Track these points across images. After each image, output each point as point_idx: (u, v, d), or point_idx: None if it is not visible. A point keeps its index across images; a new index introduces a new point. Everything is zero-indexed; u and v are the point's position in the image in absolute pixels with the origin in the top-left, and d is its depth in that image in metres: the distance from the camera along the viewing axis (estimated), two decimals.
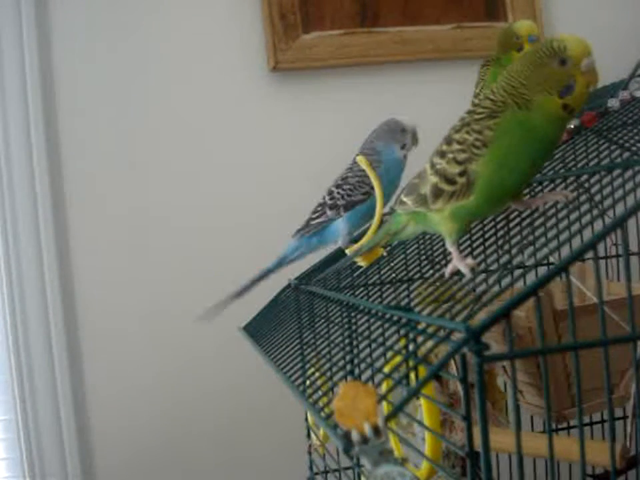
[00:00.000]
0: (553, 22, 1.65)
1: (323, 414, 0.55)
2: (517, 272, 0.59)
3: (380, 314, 0.68)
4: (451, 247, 0.69)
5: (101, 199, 1.50)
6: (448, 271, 0.69)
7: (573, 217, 0.61)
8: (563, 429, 1.17)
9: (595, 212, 0.63)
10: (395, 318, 0.64)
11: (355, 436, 0.47)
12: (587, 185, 0.68)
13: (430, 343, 0.56)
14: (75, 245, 1.49)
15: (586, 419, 1.18)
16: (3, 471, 1.49)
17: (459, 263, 0.67)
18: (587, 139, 0.93)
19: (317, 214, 1.10)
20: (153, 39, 1.52)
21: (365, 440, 0.47)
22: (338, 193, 1.09)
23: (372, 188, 1.05)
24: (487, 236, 0.78)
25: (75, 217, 1.49)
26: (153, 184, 1.52)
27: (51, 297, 1.45)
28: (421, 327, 0.59)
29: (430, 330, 0.56)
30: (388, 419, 0.48)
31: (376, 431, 0.47)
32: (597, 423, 1.20)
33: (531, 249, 0.59)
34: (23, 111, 1.44)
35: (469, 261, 0.67)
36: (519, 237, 0.66)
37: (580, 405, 0.55)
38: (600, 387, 0.96)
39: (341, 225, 1.08)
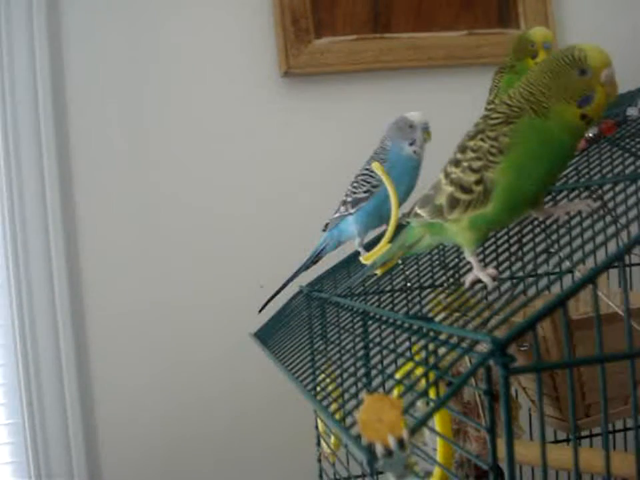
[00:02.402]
0: (565, 29, 1.64)
1: (343, 424, 0.54)
2: (537, 282, 0.58)
3: (398, 323, 0.67)
4: (470, 257, 0.68)
5: (110, 198, 1.49)
6: (468, 280, 0.68)
7: (596, 227, 0.60)
8: (584, 437, 1.16)
9: (614, 223, 0.63)
10: (415, 327, 0.63)
11: (379, 449, 0.47)
12: (610, 194, 0.67)
13: (451, 355, 0.55)
14: (84, 243, 1.49)
15: (598, 430, 1.17)
16: (10, 475, 1.48)
17: (480, 273, 0.66)
18: (600, 147, 0.93)
19: (336, 209, 1.15)
20: (165, 44, 1.51)
21: (389, 453, 0.46)
22: (348, 189, 1.12)
23: (374, 186, 1.06)
24: (503, 245, 0.77)
25: (84, 215, 1.49)
26: (164, 186, 1.51)
27: (59, 299, 1.45)
28: (442, 337, 0.58)
29: (452, 341, 0.55)
30: (413, 432, 0.47)
31: (401, 444, 0.47)
32: (619, 431, 1.19)
33: (556, 258, 0.58)
34: (33, 110, 1.44)
35: (491, 270, 0.66)
36: (543, 246, 0.65)
37: (605, 414, 0.54)
38: (614, 397, 0.95)
39: (350, 222, 1.11)
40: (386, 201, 0.94)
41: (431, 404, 0.80)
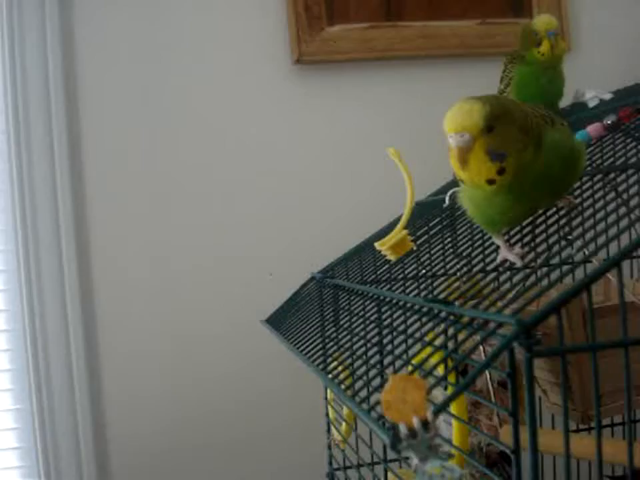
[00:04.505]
0: (580, 17, 1.63)
1: (365, 406, 0.54)
2: (565, 268, 0.58)
3: (417, 307, 0.67)
4: (497, 239, 0.69)
5: (122, 189, 1.49)
6: (499, 259, 0.69)
7: (621, 213, 0.60)
8: (584, 429, 1.16)
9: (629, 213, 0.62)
10: (434, 312, 0.63)
11: (402, 430, 0.46)
12: (626, 184, 0.67)
13: (472, 339, 0.55)
14: (95, 241, 1.48)
15: (607, 421, 1.17)
16: (17, 461, 1.49)
17: (507, 253, 0.67)
18: (614, 138, 0.92)
19: None
20: (176, 34, 1.50)
21: (413, 434, 0.46)
22: None
23: None
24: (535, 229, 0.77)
25: (96, 215, 1.48)
26: (175, 175, 1.51)
27: (68, 285, 1.45)
28: (463, 321, 0.58)
29: (474, 324, 0.55)
30: (437, 412, 0.46)
31: (425, 424, 0.46)
32: (619, 424, 1.19)
33: (578, 244, 0.58)
34: (45, 107, 1.43)
35: (518, 250, 0.67)
36: (565, 232, 0.65)
37: (630, 401, 0.54)
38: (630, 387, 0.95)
39: None
40: None
41: (449, 388, 0.80)
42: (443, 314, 0.62)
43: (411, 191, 0.91)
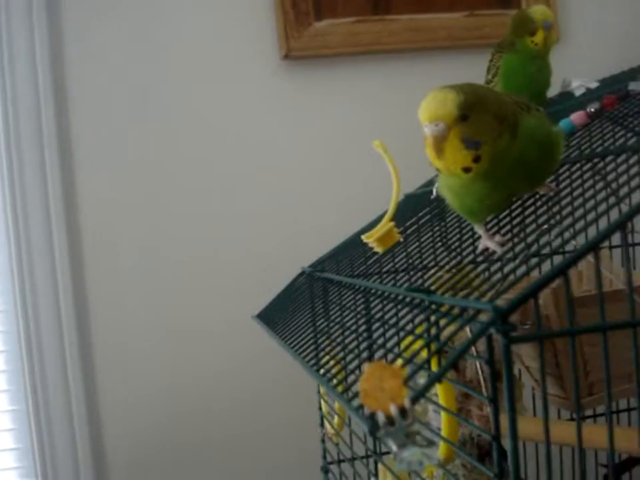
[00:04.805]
0: (568, 9, 1.63)
1: (346, 396, 0.54)
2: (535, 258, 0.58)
3: (400, 297, 0.67)
4: (478, 228, 0.69)
5: (115, 194, 1.49)
6: (480, 248, 0.69)
7: (594, 200, 0.60)
8: (588, 417, 1.16)
9: (615, 196, 0.62)
10: (416, 301, 0.63)
11: (380, 418, 0.47)
12: (607, 169, 0.67)
13: (452, 327, 0.55)
14: (88, 238, 1.48)
15: (602, 409, 1.17)
16: (14, 461, 1.49)
17: (488, 241, 0.67)
18: (603, 127, 0.92)
19: None
20: (164, 30, 1.50)
21: (391, 422, 0.46)
22: None
23: None
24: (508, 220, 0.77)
25: (89, 212, 1.48)
26: (164, 172, 1.51)
27: (61, 285, 1.45)
28: (443, 309, 0.58)
29: (454, 312, 0.55)
30: (414, 400, 0.47)
31: (402, 412, 0.46)
32: (623, 411, 1.19)
33: (556, 231, 0.58)
34: (34, 109, 1.44)
35: (498, 238, 0.67)
36: (543, 219, 0.65)
37: (609, 390, 0.54)
38: (619, 375, 0.95)
39: None
40: None
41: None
42: (425, 303, 0.62)
43: (397, 183, 0.91)
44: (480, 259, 0.69)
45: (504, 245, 0.66)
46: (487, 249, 0.68)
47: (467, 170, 0.62)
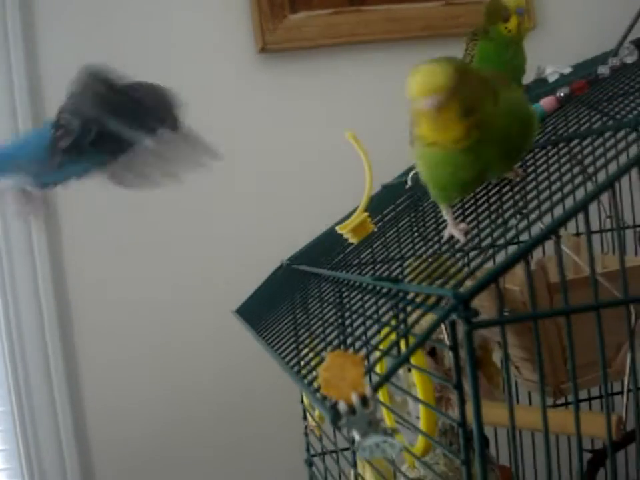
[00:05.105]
0: None
1: (311, 387, 0.54)
2: (509, 239, 0.58)
3: (370, 287, 0.67)
4: (445, 214, 0.69)
5: (92, 198, 1.48)
6: (445, 237, 0.69)
7: (565, 180, 0.60)
8: (561, 404, 1.16)
9: (586, 176, 0.62)
10: (385, 290, 0.63)
11: (342, 407, 0.46)
12: (577, 149, 0.67)
13: (419, 313, 0.54)
14: (67, 242, 1.48)
15: (584, 395, 1.18)
16: (0, 463, 1.49)
17: (453, 229, 0.67)
18: (579, 112, 0.92)
19: None
20: (138, 22, 1.49)
21: (352, 411, 0.46)
22: None
23: None
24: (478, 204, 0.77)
25: (69, 219, 1.47)
26: None
27: (42, 284, 1.44)
28: (410, 297, 0.57)
29: (419, 299, 0.55)
30: (376, 388, 0.46)
31: (364, 401, 0.46)
32: (595, 398, 1.19)
33: (523, 214, 0.58)
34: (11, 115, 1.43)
35: (462, 225, 0.67)
36: (510, 204, 0.65)
37: (575, 376, 0.54)
38: (596, 361, 0.95)
39: None
40: None
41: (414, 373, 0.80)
42: (393, 291, 0.62)
43: (369, 173, 0.91)
44: (454, 247, 0.69)
45: (467, 233, 0.66)
46: (452, 237, 0.68)
47: (461, 140, 0.63)
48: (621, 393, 0.94)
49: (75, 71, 1.43)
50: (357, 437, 0.47)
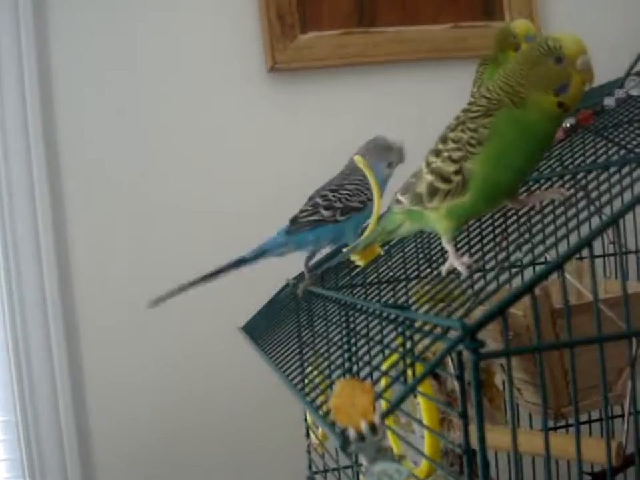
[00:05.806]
0: (550, 21, 1.65)
1: (320, 412, 0.55)
2: (514, 270, 0.59)
3: (378, 312, 0.68)
4: (447, 245, 0.70)
5: (100, 198, 1.50)
6: (445, 269, 0.69)
7: (570, 214, 0.61)
8: (561, 427, 1.17)
9: (592, 209, 0.63)
10: (393, 316, 0.64)
11: (351, 433, 0.48)
12: (583, 182, 0.68)
13: (427, 341, 0.56)
14: (74, 241, 1.49)
15: (585, 417, 1.18)
16: (4, 472, 1.49)
17: (455, 261, 0.68)
18: (584, 138, 0.94)
19: (307, 212, 1.10)
20: (149, 39, 1.51)
21: (361, 437, 0.47)
22: (334, 196, 1.08)
23: (369, 199, 1.04)
24: (484, 234, 0.78)
25: (74, 214, 1.49)
26: (151, 182, 1.51)
27: (49, 292, 1.46)
28: (417, 325, 0.59)
29: (426, 328, 0.56)
30: (385, 416, 0.48)
31: (372, 428, 0.48)
32: (595, 420, 1.20)
33: (529, 246, 0.59)
34: (21, 113, 1.44)
35: (465, 259, 0.67)
36: (515, 235, 0.66)
37: (576, 402, 0.55)
38: (597, 385, 0.96)
39: (333, 229, 1.07)
40: (369, 216, 0.93)
41: (418, 396, 0.81)
42: (400, 318, 0.63)
43: (378, 197, 0.93)
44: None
45: (470, 267, 0.66)
46: (453, 271, 0.68)
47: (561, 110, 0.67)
48: (622, 416, 0.96)
49: (85, 83, 1.46)
50: (365, 463, 0.48)
